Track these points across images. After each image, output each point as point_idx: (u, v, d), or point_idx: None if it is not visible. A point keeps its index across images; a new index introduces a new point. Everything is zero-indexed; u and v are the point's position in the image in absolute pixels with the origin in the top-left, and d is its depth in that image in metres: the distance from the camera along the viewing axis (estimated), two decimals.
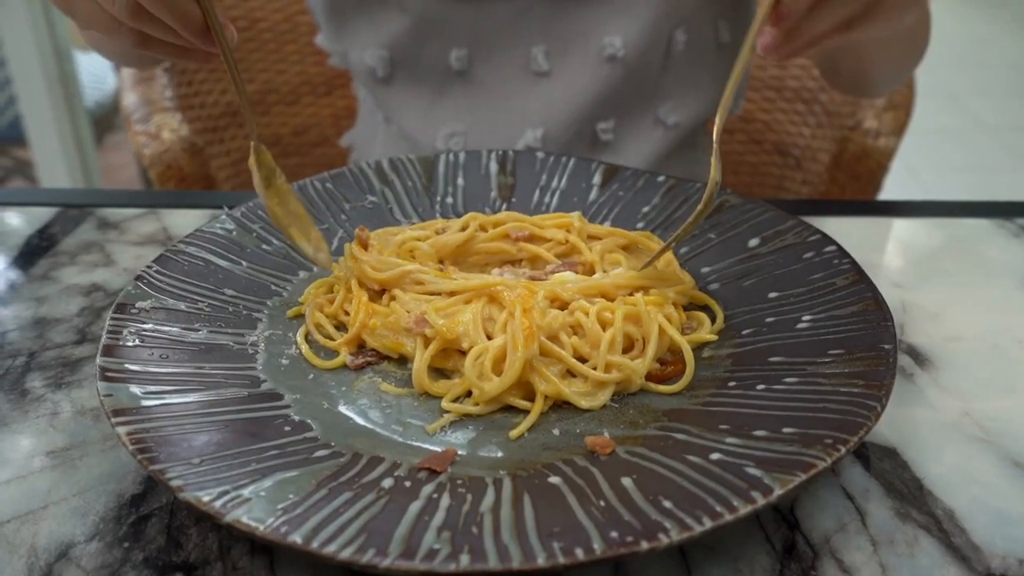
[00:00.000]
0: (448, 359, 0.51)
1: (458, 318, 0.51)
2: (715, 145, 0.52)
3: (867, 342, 0.48)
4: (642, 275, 0.55)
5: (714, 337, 0.53)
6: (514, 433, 0.46)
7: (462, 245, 0.59)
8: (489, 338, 0.51)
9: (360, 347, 0.54)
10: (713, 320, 0.55)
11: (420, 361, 0.50)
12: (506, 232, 0.60)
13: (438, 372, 0.51)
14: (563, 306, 0.53)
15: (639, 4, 0.76)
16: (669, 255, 0.57)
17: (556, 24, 0.78)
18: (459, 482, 0.42)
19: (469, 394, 0.49)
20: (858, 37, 0.50)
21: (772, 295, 0.55)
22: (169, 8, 0.46)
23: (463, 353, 0.50)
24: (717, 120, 0.51)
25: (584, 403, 0.48)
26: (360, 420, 0.48)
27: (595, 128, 0.81)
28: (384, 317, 0.53)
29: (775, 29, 0.49)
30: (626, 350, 0.51)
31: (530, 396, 0.49)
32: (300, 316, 0.56)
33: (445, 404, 0.48)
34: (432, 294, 0.55)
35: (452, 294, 0.54)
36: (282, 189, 0.56)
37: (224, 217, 0.61)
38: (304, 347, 0.53)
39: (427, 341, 0.51)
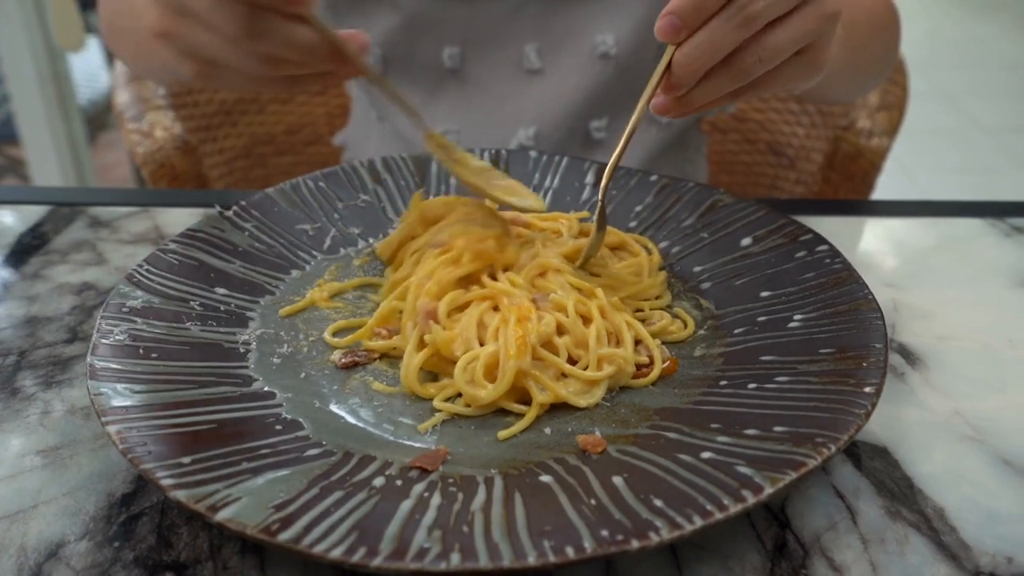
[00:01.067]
0: (439, 363, 0.51)
1: (457, 324, 0.51)
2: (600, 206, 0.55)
3: (858, 341, 0.48)
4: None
5: (680, 333, 0.54)
6: (505, 434, 0.46)
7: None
8: (481, 343, 0.51)
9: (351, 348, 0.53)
10: (697, 322, 0.55)
11: (410, 363, 0.50)
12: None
13: (428, 373, 0.51)
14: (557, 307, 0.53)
15: (631, 2, 0.76)
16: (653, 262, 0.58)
17: (548, 22, 0.78)
18: (450, 481, 0.42)
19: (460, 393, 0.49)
20: (749, 99, 0.51)
21: (764, 294, 0.55)
22: (292, 51, 0.46)
23: (452, 362, 0.50)
24: (604, 180, 0.55)
25: (582, 402, 0.48)
26: (351, 419, 0.48)
27: (588, 126, 0.81)
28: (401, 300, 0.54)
29: (667, 96, 0.50)
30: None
31: (523, 399, 0.49)
32: (292, 315, 0.56)
33: (437, 404, 0.48)
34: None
35: (463, 281, 0.55)
36: (462, 159, 0.58)
37: (216, 216, 0.61)
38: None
39: (422, 344, 0.51)
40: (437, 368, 0.51)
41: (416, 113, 0.54)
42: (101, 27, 0.74)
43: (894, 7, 0.75)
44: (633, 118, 0.52)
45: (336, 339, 0.54)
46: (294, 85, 0.50)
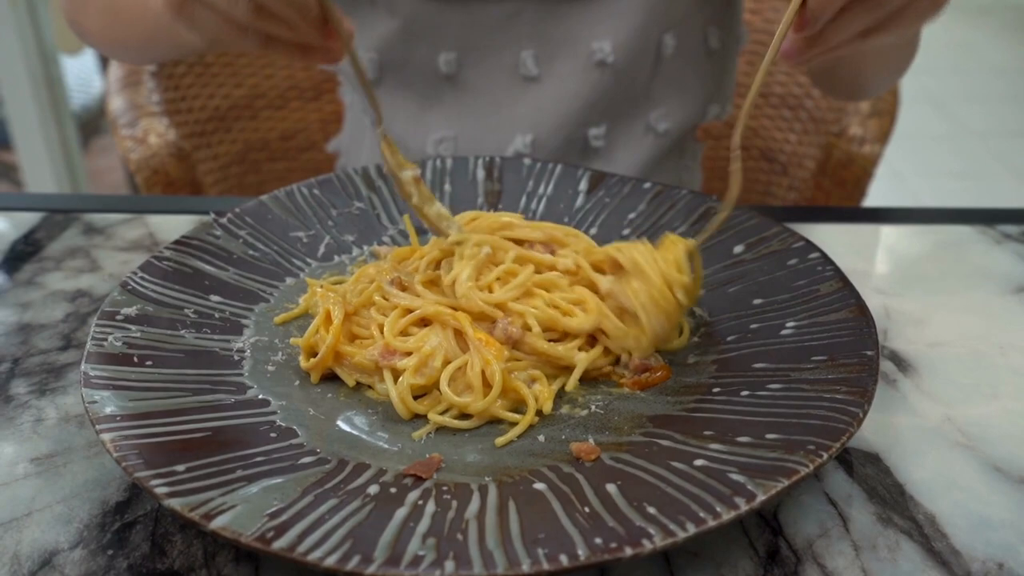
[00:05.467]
0: (422, 378, 0.50)
1: (424, 339, 0.51)
2: (736, 152, 0.52)
3: (850, 348, 0.48)
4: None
5: (677, 342, 0.54)
6: (500, 441, 0.47)
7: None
8: (447, 361, 0.51)
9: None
10: (692, 329, 0.55)
11: (399, 391, 0.49)
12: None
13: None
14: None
15: (628, 9, 0.77)
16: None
17: (545, 28, 0.78)
18: (444, 488, 0.42)
19: None
20: (874, 44, 0.50)
21: (756, 301, 0.55)
22: (285, 7, 0.47)
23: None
24: (737, 130, 0.51)
25: (582, 358, 0.50)
26: (346, 426, 0.48)
27: (586, 134, 0.81)
28: (351, 357, 0.51)
29: (797, 35, 0.49)
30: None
31: (516, 407, 0.49)
32: (287, 322, 0.56)
33: (432, 416, 0.48)
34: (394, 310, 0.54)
35: (409, 311, 0.53)
36: (404, 163, 0.57)
37: (211, 223, 0.61)
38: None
39: (396, 373, 0.50)
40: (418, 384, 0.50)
41: (378, 110, 0.54)
42: (88, 26, 0.73)
43: None
44: (763, 67, 0.49)
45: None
46: (268, 45, 0.50)
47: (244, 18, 0.47)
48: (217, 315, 0.54)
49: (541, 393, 0.49)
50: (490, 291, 0.53)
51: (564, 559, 0.36)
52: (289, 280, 0.59)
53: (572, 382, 0.51)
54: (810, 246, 0.57)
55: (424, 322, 0.53)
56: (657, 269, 0.52)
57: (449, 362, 0.50)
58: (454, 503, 0.41)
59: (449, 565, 0.36)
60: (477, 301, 0.52)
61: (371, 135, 0.89)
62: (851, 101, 1.02)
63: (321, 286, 0.56)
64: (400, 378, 0.49)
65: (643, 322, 0.51)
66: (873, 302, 0.60)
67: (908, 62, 0.77)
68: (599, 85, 0.79)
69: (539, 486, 0.42)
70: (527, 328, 0.52)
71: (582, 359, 0.51)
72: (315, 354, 0.51)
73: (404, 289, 0.54)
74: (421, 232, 0.64)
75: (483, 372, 0.49)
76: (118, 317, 0.51)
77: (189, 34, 0.51)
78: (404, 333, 0.52)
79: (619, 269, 0.53)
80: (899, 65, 0.77)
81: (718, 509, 0.38)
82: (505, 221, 0.58)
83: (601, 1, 0.77)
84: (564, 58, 0.79)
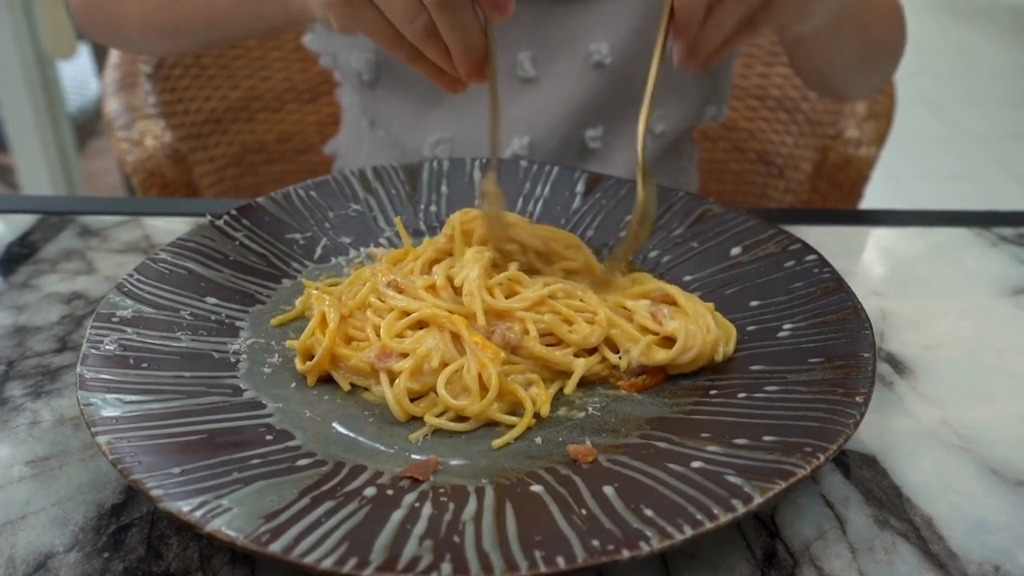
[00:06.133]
0: (418, 383, 0.50)
1: (420, 341, 0.51)
2: (640, 164, 0.54)
3: (847, 350, 0.48)
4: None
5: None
6: (497, 443, 0.47)
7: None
8: (444, 363, 0.51)
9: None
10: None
11: (395, 393, 0.49)
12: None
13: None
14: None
15: (625, 11, 0.77)
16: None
17: (542, 30, 0.78)
18: (441, 491, 0.42)
19: None
20: (776, 32, 0.51)
21: (753, 304, 0.55)
22: (460, 37, 0.48)
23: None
24: (640, 138, 0.53)
25: (579, 364, 0.51)
26: (342, 429, 0.48)
27: (583, 136, 0.81)
28: (347, 360, 0.51)
29: (679, 41, 0.50)
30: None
31: (513, 410, 0.49)
32: (283, 325, 0.56)
33: (428, 419, 0.48)
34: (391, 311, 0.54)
35: (407, 314, 0.53)
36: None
37: (207, 225, 0.61)
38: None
39: (393, 375, 0.50)
40: (415, 387, 0.50)
41: (496, 150, 0.56)
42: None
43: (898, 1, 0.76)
44: (650, 76, 0.52)
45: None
46: (416, 60, 0.51)
47: (413, 35, 0.48)
48: (213, 317, 0.54)
49: (538, 396, 0.49)
50: (491, 294, 0.53)
51: (561, 561, 0.36)
52: (285, 282, 0.59)
53: (570, 386, 0.51)
54: (807, 248, 0.57)
55: (421, 325, 0.53)
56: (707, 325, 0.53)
57: (446, 364, 0.50)
58: (451, 505, 0.41)
59: (446, 567, 0.36)
60: (480, 301, 0.52)
61: (369, 137, 0.89)
62: (838, 99, 1.02)
63: (316, 288, 0.56)
64: (396, 380, 0.49)
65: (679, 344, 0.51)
66: (869, 304, 0.60)
67: (882, 58, 0.77)
68: (596, 87, 0.79)
69: (536, 488, 0.42)
70: (525, 332, 0.52)
71: (580, 364, 0.51)
72: (311, 357, 0.51)
73: (401, 291, 0.54)
74: (416, 234, 0.64)
75: (480, 375, 0.49)
76: (114, 319, 0.51)
77: (336, 24, 0.51)
78: (400, 336, 0.52)
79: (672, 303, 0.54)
80: (865, 61, 0.76)
81: (715, 511, 0.38)
82: (508, 222, 0.58)
83: (598, 3, 0.77)
84: (561, 60, 0.79)
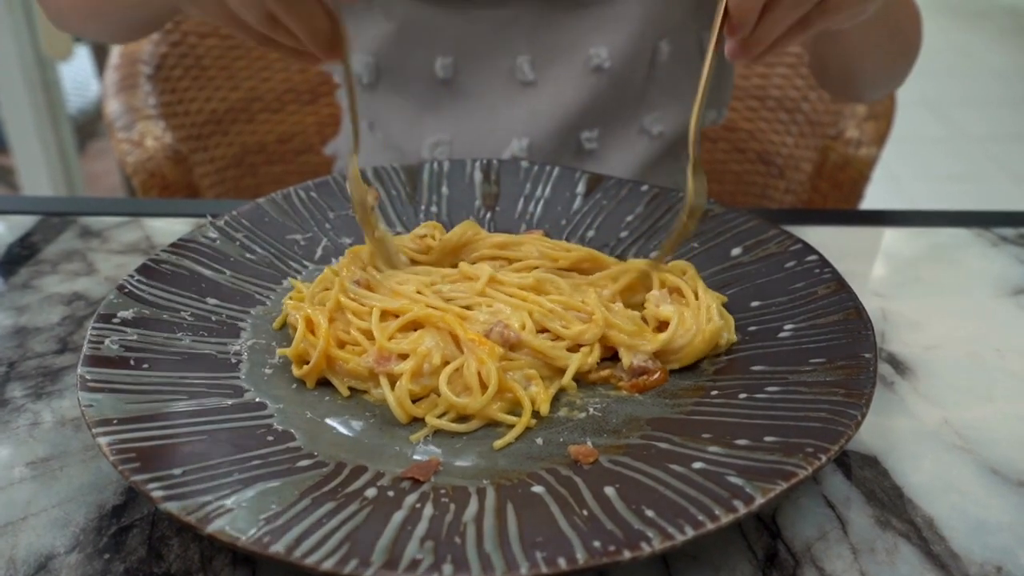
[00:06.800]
0: (418, 385, 0.50)
1: (419, 341, 0.51)
2: (692, 157, 0.53)
3: (848, 351, 0.48)
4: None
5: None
6: (498, 444, 0.47)
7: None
8: (446, 362, 0.51)
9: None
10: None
11: (397, 395, 0.49)
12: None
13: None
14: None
15: (625, 15, 0.77)
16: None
17: (542, 34, 0.78)
18: (442, 491, 0.42)
19: None
20: (821, 30, 0.51)
21: (754, 304, 0.55)
22: (304, 24, 0.48)
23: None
24: (691, 132, 0.52)
25: (575, 361, 0.51)
26: (343, 429, 0.48)
27: (579, 137, 0.81)
28: (344, 363, 0.51)
29: (732, 39, 0.50)
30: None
31: (513, 410, 0.49)
32: (284, 326, 0.56)
33: (429, 420, 0.48)
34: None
35: (392, 314, 0.53)
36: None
37: (207, 226, 0.61)
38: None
39: (393, 378, 0.50)
40: (415, 388, 0.50)
41: (357, 137, 0.56)
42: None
43: (916, 4, 0.76)
44: (704, 73, 0.51)
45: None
46: (266, 43, 0.52)
47: (255, 24, 0.49)
48: (214, 318, 0.54)
49: (538, 395, 0.49)
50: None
51: (562, 562, 0.36)
52: (286, 283, 0.59)
53: (567, 378, 0.50)
54: (807, 249, 0.57)
55: (415, 326, 0.52)
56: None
57: (447, 362, 0.50)
58: (452, 506, 0.41)
59: (447, 568, 0.36)
60: (488, 272, 0.54)
61: (368, 139, 0.89)
62: (850, 100, 1.02)
63: (290, 297, 0.56)
64: (397, 383, 0.49)
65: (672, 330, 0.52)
66: (870, 305, 0.60)
67: (906, 57, 0.77)
68: (595, 90, 0.79)
69: (537, 489, 0.42)
70: (522, 328, 0.52)
71: (575, 359, 0.51)
72: (306, 361, 0.51)
73: (372, 289, 0.54)
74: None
75: (479, 372, 0.49)
76: (114, 320, 0.51)
77: (188, 10, 0.53)
78: (392, 338, 0.52)
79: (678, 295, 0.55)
80: (895, 58, 0.76)
81: (716, 512, 0.38)
82: (509, 239, 0.59)
83: (598, 7, 0.77)
84: (561, 63, 0.79)
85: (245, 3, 0.48)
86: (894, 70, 0.78)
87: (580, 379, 0.52)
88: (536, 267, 0.58)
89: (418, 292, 0.54)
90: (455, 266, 0.59)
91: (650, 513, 0.39)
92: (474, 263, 0.59)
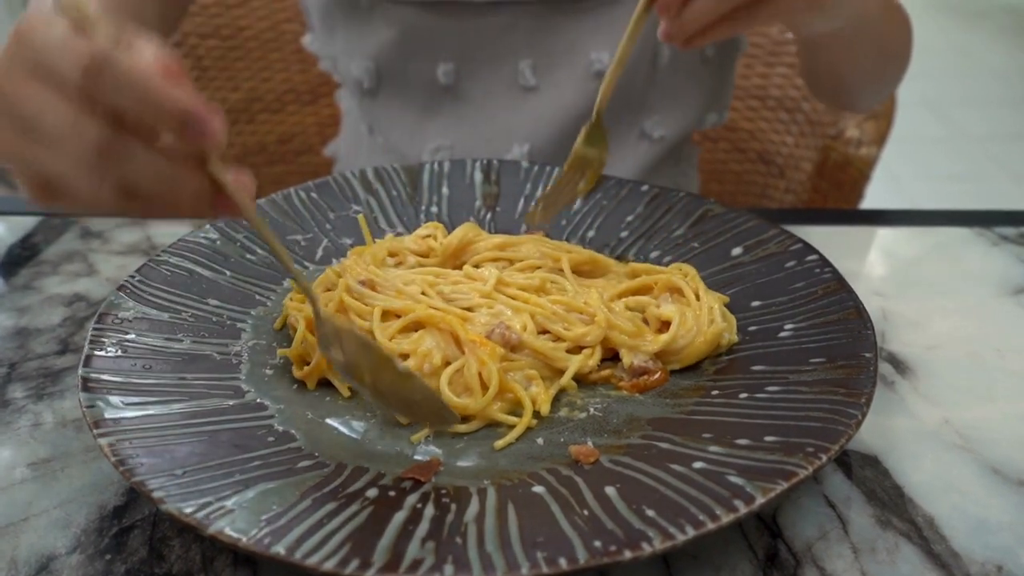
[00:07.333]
0: None
1: (419, 342, 0.51)
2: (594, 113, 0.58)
3: (848, 351, 0.48)
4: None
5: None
6: (499, 444, 0.47)
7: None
8: (447, 362, 0.51)
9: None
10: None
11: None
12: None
13: None
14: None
15: (626, 19, 0.76)
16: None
17: (543, 39, 0.78)
18: (443, 492, 0.42)
19: None
20: (750, 26, 0.52)
21: (755, 304, 0.55)
22: (166, 191, 0.38)
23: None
24: (601, 91, 0.57)
25: (574, 362, 0.51)
26: (344, 430, 0.48)
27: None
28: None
29: (664, 19, 0.52)
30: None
31: (514, 410, 0.49)
32: (285, 327, 0.56)
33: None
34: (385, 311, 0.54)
35: (395, 314, 0.53)
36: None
37: (208, 227, 0.61)
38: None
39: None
40: None
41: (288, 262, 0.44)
42: None
43: (906, 12, 0.76)
44: (624, 39, 0.54)
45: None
46: (149, 212, 0.40)
47: (115, 205, 0.39)
48: (214, 319, 0.54)
49: (538, 396, 0.49)
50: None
51: (563, 562, 0.36)
52: (286, 284, 0.59)
53: (566, 378, 0.51)
54: (808, 248, 0.57)
55: (415, 327, 0.52)
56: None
57: (448, 363, 0.50)
58: (453, 506, 0.41)
59: (448, 569, 0.36)
60: (496, 273, 0.54)
61: (368, 141, 0.89)
62: (843, 109, 1.03)
63: (291, 298, 0.56)
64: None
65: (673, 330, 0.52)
66: (870, 304, 0.60)
67: (894, 67, 0.77)
68: (596, 94, 0.79)
69: (538, 489, 0.42)
70: (523, 329, 0.52)
71: (575, 360, 0.51)
72: (307, 362, 0.51)
73: (376, 289, 0.54)
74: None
75: (480, 373, 0.49)
76: (115, 321, 0.51)
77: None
78: (393, 339, 0.52)
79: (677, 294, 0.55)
80: (884, 69, 0.76)
81: (717, 512, 0.38)
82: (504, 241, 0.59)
83: (599, 12, 0.77)
84: (562, 68, 0.79)
85: (90, 186, 0.37)
86: (884, 78, 0.78)
87: (580, 379, 0.52)
88: (538, 267, 0.58)
89: (423, 293, 0.54)
90: (458, 268, 0.59)
91: (651, 513, 0.39)
92: (476, 266, 0.59)
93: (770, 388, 0.48)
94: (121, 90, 0.35)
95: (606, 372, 0.52)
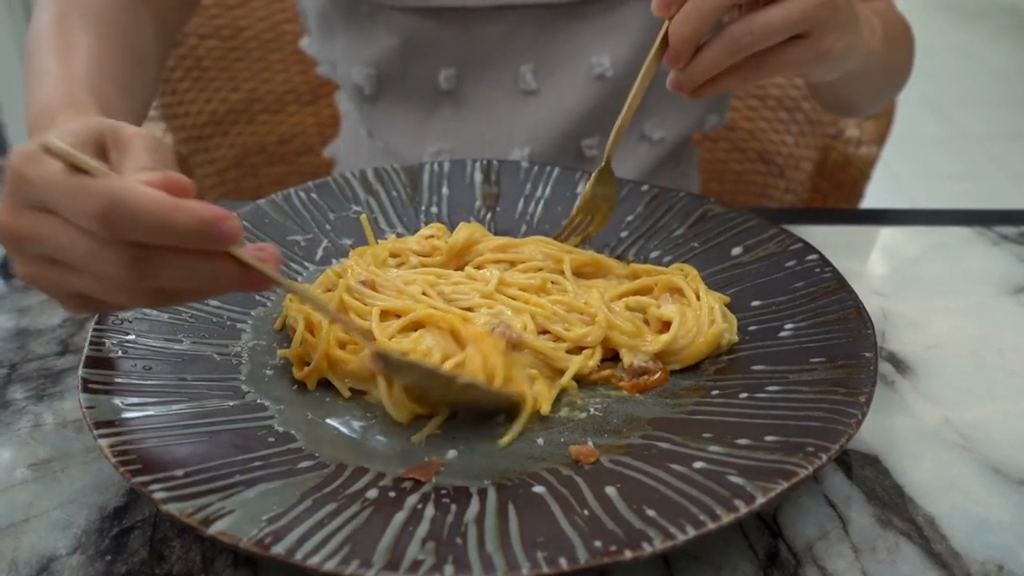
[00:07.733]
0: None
1: (419, 341, 0.51)
2: (605, 158, 0.58)
3: (848, 350, 0.48)
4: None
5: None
6: (502, 442, 0.46)
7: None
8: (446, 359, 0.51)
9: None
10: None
11: (394, 396, 0.48)
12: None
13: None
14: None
15: (627, 23, 0.77)
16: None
17: (545, 43, 0.78)
18: (443, 492, 0.42)
19: None
20: (758, 79, 0.52)
21: (755, 304, 0.55)
22: (198, 284, 0.39)
23: None
24: (611, 140, 0.58)
25: (575, 364, 0.51)
26: (344, 430, 0.48)
27: (580, 144, 0.81)
28: (345, 364, 0.50)
29: (672, 69, 0.52)
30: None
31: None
32: (285, 328, 0.56)
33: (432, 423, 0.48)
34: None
35: (394, 314, 0.53)
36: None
37: None
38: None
39: (390, 377, 0.49)
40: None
41: (364, 330, 0.49)
42: None
43: (908, 23, 0.76)
44: (632, 94, 0.55)
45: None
46: (181, 301, 0.43)
47: (151, 304, 0.41)
48: (215, 319, 0.54)
49: (541, 393, 0.49)
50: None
51: (563, 562, 0.36)
52: None
53: (566, 378, 0.50)
54: (808, 248, 0.57)
55: (415, 326, 0.52)
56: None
57: (447, 359, 0.50)
58: (453, 507, 0.41)
59: (448, 569, 0.36)
60: (498, 275, 0.55)
61: (367, 144, 0.89)
62: (846, 117, 1.03)
63: (291, 299, 0.56)
64: (394, 383, 0.49)
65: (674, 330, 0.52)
66: (871, 304, 0.60)
67: (899, 79, 0.77)
68: (597, 98, 0.79)
69: (538, 489, 0.42)
70: (524, 328, 0.52)
71: (575, 360, 0.51)
72: (307, 362, 0.51)
73: (376, 289, 0.54)
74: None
75: (483, 365, 0.49)
76: (115, 322, 0.51)
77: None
78: (393, 338, 0.52)
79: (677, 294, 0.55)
80: (887, 85, 0.77)
81: (717, 512, 0.38)
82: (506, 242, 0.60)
83: (600, 17, 0.77)
84: (563, 72, 0.79)
85: (126, 286, 0.38)
86: (888, 92, 0.79)
87: (581, 379, 0.52)
88: (540, 268, 0.58)
89: (423, 293, 0.54)
90: (460, 268, 0.59)
91: (651, 513, 0.39)
92: (479, 267, 0.59)
93: (770, 388, 0.48)
94: (138, 228, 0.36)
95: (606, 372, 0.52)
